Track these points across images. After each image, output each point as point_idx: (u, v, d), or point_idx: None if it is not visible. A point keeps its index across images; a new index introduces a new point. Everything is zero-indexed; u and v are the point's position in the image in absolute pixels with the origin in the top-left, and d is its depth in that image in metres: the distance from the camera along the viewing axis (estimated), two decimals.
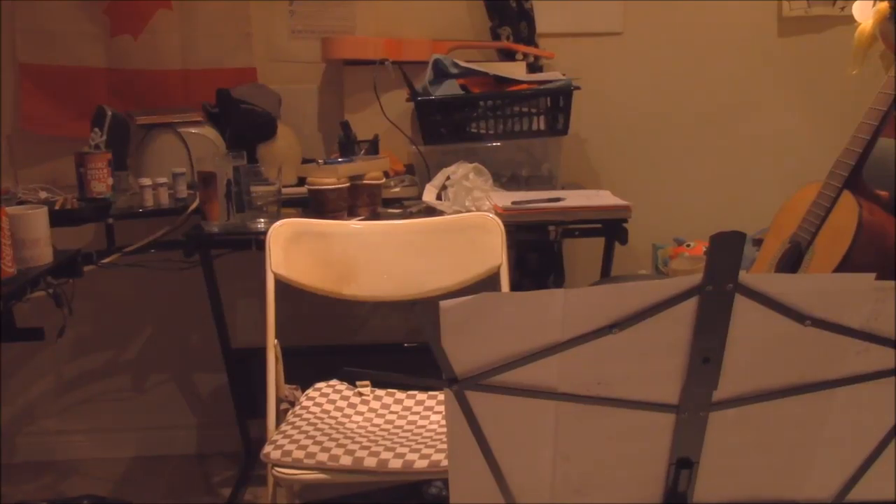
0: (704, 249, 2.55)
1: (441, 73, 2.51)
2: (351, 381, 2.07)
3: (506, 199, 2.30)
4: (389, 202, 2.42)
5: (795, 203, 1.94)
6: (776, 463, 0.85)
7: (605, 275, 2.55)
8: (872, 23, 2.19)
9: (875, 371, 0.78)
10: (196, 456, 2.99)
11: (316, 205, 2.27)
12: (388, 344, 2.87)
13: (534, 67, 2.72)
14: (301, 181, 2.44)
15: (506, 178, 2.53)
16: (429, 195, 2.35)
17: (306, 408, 1.95)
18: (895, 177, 1.86)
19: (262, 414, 1.93)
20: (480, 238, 2.08)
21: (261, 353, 1.97)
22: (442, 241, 2.11)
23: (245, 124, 2.55)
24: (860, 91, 2.04)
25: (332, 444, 1.74)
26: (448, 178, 2.37)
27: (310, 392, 2.03)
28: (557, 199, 2.32)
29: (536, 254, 2.79)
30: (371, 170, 2.34)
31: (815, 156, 2.34)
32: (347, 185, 2.28)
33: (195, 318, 2.83)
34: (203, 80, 2.73)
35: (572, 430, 0.80)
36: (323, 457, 1.69)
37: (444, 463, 1.63)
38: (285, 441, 1.75)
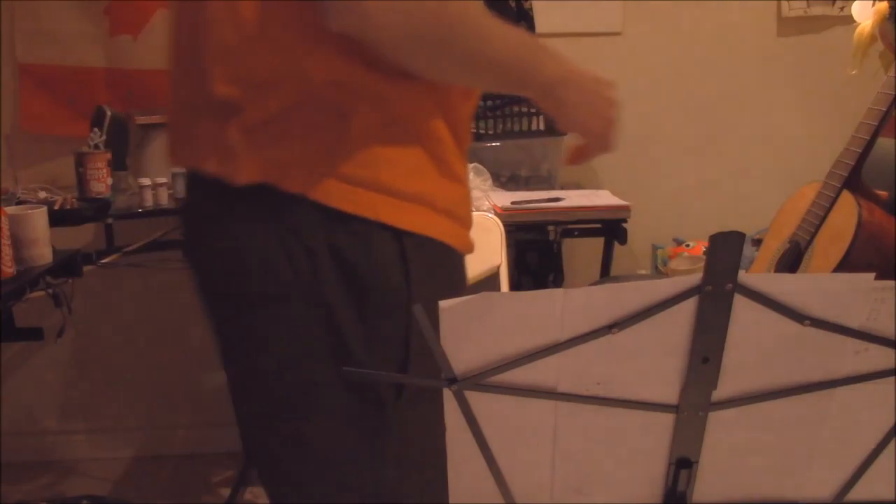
0: (704, 249, 2.55)
1: None
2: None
3: (505, 198, 2.30)
4: None
5: (795, 203, 1.94)
6: (776, 463, 0.85)
7: (605, 275, 2.55)
8: (872, 23, 2.19)
9: (875, 371, 0.78)
10: (196, 456, 2.99)
11: None
12: None
13: None
14: None
15: (505, 178, 2.53)
16: None
17: None
18: (895, 177, 1.87)
19: None
20: (480, 238, 2.06)
21: None
22: None
23: None
24: (860, 91, 2.04)
25: None
26: None
27: None
28: (557, 199, 2.32)
29: (536, 253, 2.79)
30: None
31: (814, 156, 2.35)
32: None
33: (195, 317, 2.81)
34: None
35: (572, 430, 0.80)
36: None
37: None
38: None
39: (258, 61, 0.96)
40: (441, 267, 0.98)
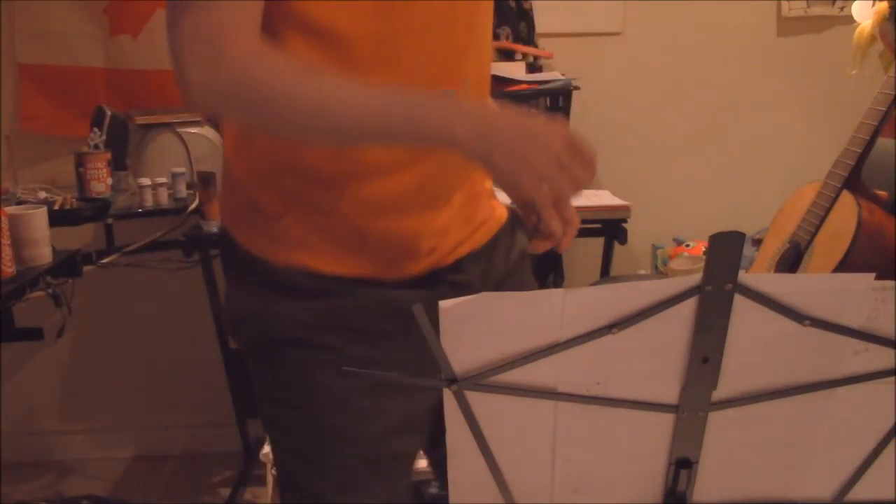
0: (704, 249, 2.56)
1: None
2: None
3: (505, 199, 2.30)
4: None
5: (795, 203, 1.94)
6: (776, 463, 0.85)
7: (605, 275, 2.55)
8: (872, 23, 2.19)
9: (875, 371, 0.78)
10: (195, 456, 2.99)
11: None
12: None
13: (533, 67, 2.72)
14: None
15: None
16: None
17: None
18: (895, 177, 1.87)
19: None
20: None
21: None
22: None
23: None
24: (860, 91, 2.04)
25: None
26: None
27: None
28: None
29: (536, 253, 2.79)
30: None
31: (814, 156, 2.35)
32: None
33: (195, 318, 2.82)
34: None
35: (571, 430, 0.80)
36: None
37: None
38: None
39: None
40: (249, 273, 1.17)
